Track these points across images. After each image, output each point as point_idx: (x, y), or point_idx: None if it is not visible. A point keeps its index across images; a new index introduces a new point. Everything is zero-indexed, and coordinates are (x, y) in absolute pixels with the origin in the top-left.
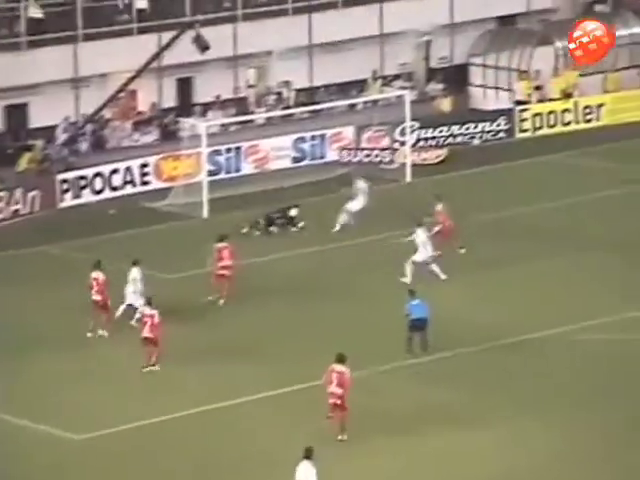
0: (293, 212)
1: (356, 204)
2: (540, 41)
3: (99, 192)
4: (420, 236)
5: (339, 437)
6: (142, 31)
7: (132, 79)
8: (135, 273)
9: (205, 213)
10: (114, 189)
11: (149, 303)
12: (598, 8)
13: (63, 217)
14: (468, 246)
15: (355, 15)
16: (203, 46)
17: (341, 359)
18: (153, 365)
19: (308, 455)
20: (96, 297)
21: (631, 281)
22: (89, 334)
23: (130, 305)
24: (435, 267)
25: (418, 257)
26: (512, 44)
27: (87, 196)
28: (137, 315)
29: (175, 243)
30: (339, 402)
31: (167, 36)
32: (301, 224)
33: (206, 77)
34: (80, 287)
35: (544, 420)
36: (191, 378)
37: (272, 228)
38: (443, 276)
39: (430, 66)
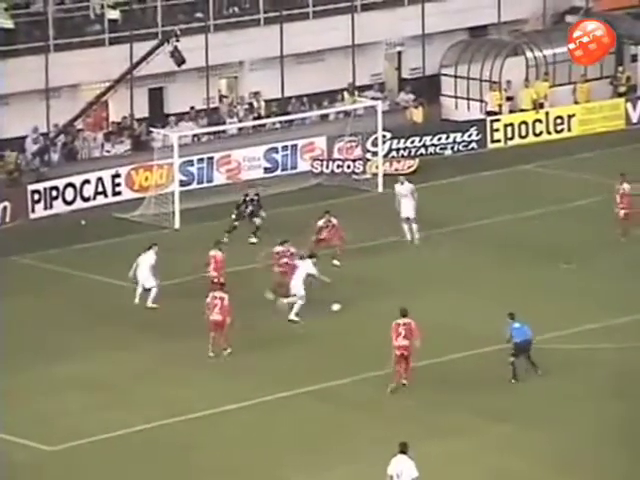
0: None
1: (409, 207)
2: (511, 52)
3: (70, 203)
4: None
5: (403, 381)
6: (114, 42)
7: (110, 89)
8: (151, 256)
9: (177, 224)
10: (85, 200)
11: (222, 288)
12: (569, 19)
13: (34, 228)
14: (443, 256)
15: (327, 26)
16: (180, 60)
17: (404, 313)
18: (226, 349)
19: (404, 450)
20: (213, 274)
21: (607, 290)
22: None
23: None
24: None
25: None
26: (483, 55)
27: (58, 207)
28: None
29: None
30: (406, 353)
31: (139, 47)
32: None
33: (178, 87)
34: (51, 297)
35: (528, 425)
36: (169, 387)
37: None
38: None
39: (402, 77)
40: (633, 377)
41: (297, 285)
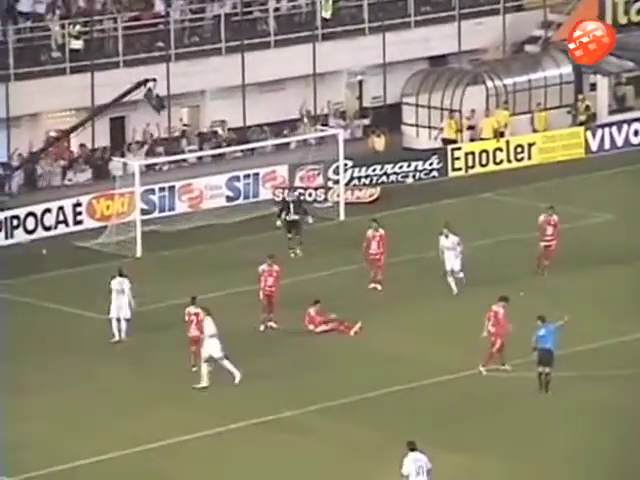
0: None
1: (451, 262)
2: (471, 81)
3: (31, 232)
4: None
5: (480, 367)
6: (75, 70)
7: (82, 124)
8: (125, 283)
9: (139, 252)
10: (47, 229)
11: (193, 302)
12: (528, 48)
13: None
14: (403, 285)
15: (288, 55)
16: (160, 106)
17: (501, 299)
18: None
19: (413, 447)
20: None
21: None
22: (262, 327)
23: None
24: None
25: None
26: (444, 84)
27: (19, 236)
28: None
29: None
30: (492, 339)
31: (100, 75)
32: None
33: (139, 116)
34: (11, 327)
35: (482, 456)
36: (123, 416)
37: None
38: None
39: (363, 105)
40: (590, 408)
41: None
